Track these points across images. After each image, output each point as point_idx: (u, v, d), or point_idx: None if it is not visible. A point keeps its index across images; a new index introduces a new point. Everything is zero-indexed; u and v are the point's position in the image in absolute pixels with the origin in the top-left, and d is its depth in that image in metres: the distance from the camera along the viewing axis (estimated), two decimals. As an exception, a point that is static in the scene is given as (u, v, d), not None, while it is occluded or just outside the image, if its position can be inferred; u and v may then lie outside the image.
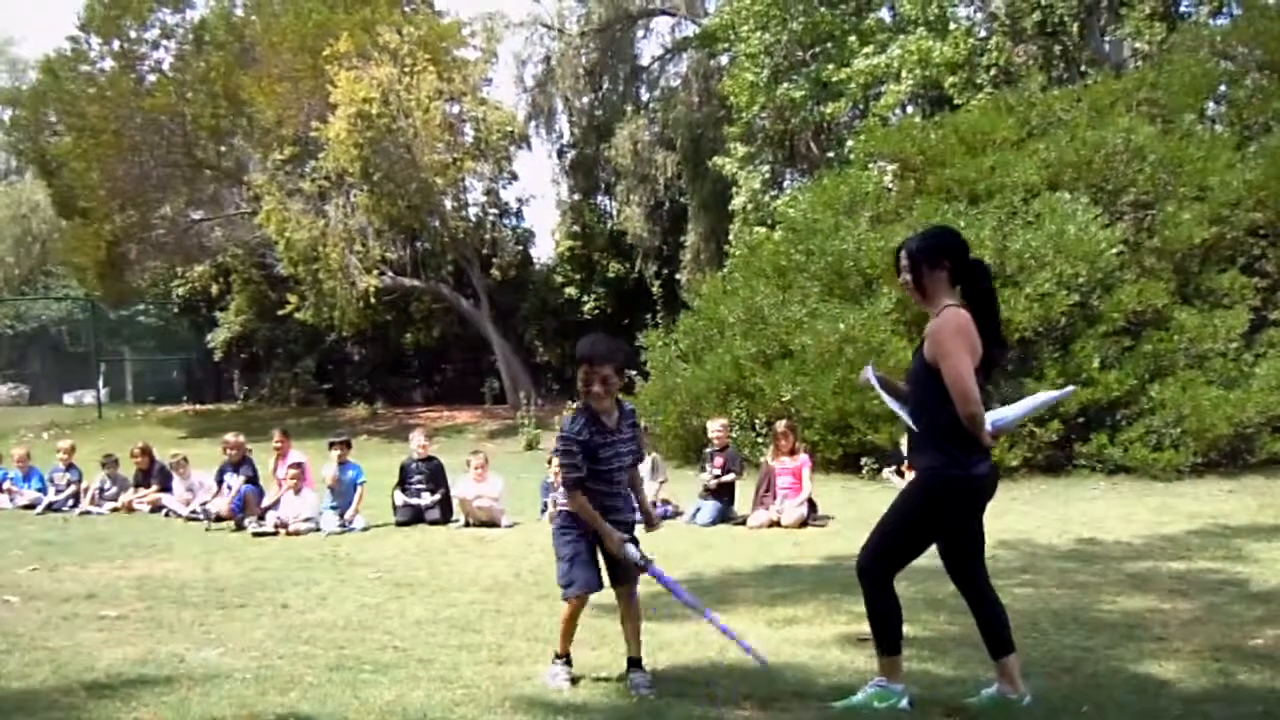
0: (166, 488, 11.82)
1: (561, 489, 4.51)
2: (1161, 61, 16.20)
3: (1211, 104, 16.53)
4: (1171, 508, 9.92)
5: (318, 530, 9.88)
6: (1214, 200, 13.13)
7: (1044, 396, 4.62)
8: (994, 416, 4.00)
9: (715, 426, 10.88)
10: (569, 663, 4.49)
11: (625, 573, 4.42)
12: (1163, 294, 12.71)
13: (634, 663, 4.45)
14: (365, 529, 10.03)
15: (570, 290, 26.06)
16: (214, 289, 27.04)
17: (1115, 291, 12.65)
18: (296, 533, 9.75)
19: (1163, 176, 13.36)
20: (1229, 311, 12.71)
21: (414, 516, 10.35)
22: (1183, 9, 19.34)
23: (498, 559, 8.19)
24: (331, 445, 10.74)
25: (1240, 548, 7.61)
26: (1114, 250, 12.68)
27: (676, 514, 10.35)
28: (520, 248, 27.17)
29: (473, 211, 25.70)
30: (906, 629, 4.12)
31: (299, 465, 10.47)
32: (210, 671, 4.70)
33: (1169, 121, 14.41)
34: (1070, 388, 5.42)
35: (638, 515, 4.62)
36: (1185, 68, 15.01)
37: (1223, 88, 16.37)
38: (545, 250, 28.62)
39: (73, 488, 12.10)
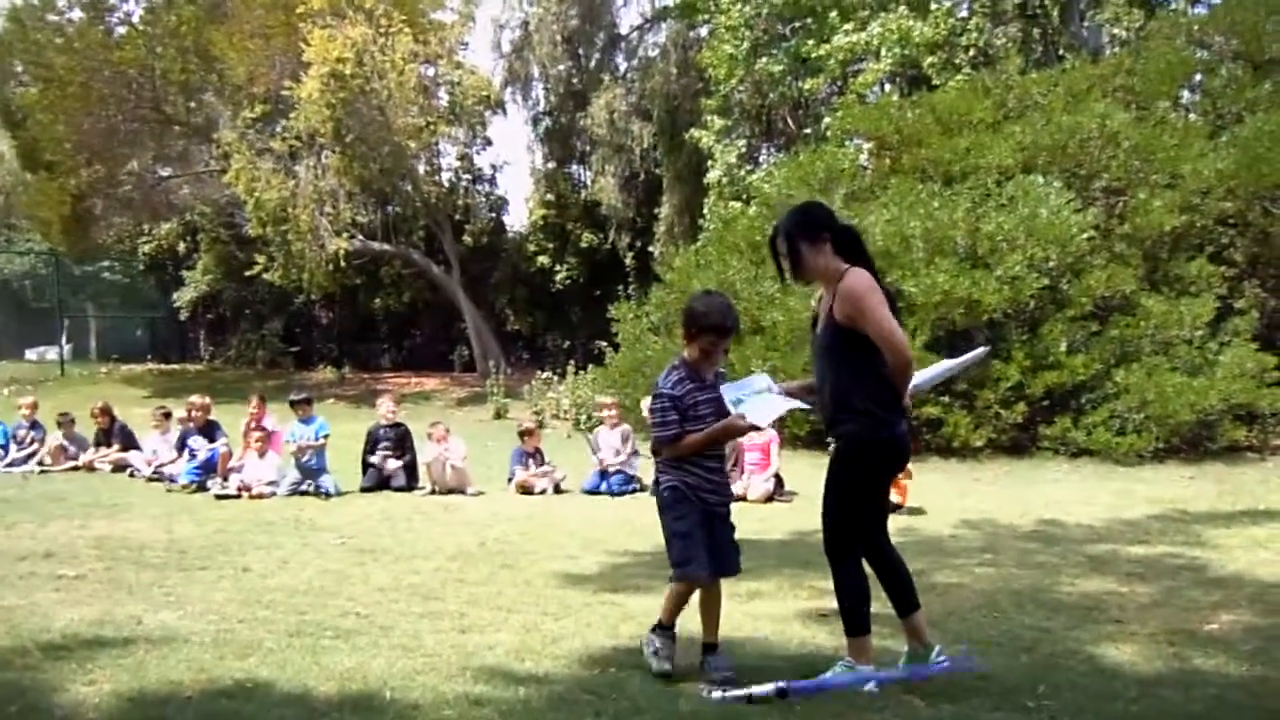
0: (128, 447, 11.68)
1: (660, 461, 4.29)
2: (1138, 48, 16.29)
3: (1186, 92, 16.63)
4: (1132, 492, 10.06)
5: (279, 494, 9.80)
6: (1185, 188, 13.24)
7: (956, 361, 4.53)
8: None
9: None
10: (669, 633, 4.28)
11: (726, 565, 4.27)
12: (1131, 280, 12.83)
13: (710, 647, 4.28)
14: (340, 494, 9.94)
15: (543, 259, 25.91)
16: (181, 247, 26.69)
17: (1084, 276, 12.75)
18: (260, 496, 9.68)
19: (1135, 163, 13.45)
20: (1195, 299, 12.84)
21: (379, 482, 10.31)
22: (1161, -3, 19.45)
23: (462, 527, 8.17)
24: (294, 404, 10.60)
25: (1199, 533, 7.72)
26: (1085, 235, 12.77)
27: (644, 488, 10.35)
28: (493, 215, 26.95)
29: (446, 176, 25.43)
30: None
31: (264, 429, 10.37)
32: (168, 634, 4.65)
33: (1144, 108, 14.50)
34: (983, 349, 5.33)
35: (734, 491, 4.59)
36: (1161, 55, 15.09)
37: (1198, 76, 16.48)
38: (518, 218, 28.43)
39: (36, 445, 11.95)
